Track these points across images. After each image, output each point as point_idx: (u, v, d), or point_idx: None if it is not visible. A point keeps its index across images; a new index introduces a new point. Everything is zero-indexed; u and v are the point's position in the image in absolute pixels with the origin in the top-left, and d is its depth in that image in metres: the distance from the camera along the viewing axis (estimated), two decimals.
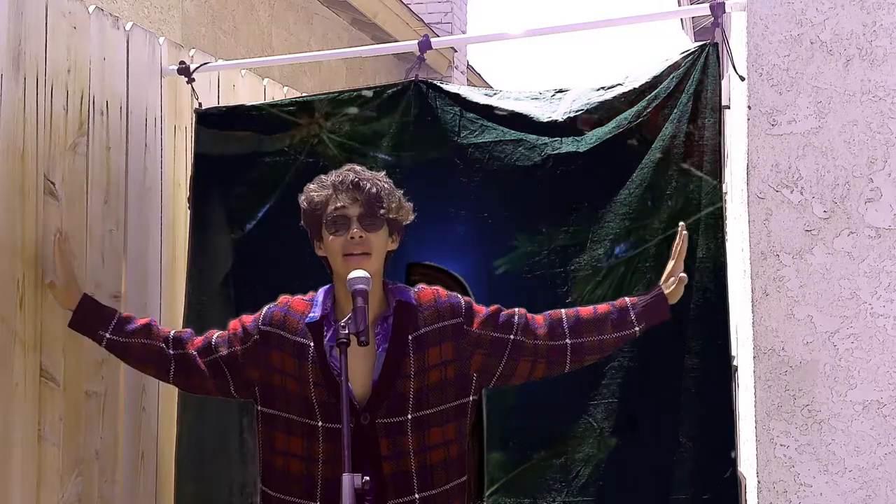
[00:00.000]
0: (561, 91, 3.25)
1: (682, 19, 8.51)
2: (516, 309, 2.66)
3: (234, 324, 2.67)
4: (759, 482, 2.84)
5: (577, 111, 3.16)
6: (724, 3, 3.00)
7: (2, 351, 2.87)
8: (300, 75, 7.80)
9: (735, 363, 3.37)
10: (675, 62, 3.07)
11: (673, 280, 2.67)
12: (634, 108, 3.09)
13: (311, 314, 2.55)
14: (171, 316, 3.62)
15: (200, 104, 3.64)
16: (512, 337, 2.61)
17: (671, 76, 3.06)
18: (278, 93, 4.38)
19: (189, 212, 3.59)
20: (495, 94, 3.33)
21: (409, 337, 2.53)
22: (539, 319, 2.64)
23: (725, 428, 2.91)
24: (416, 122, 3.30)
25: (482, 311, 2.63)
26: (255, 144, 3.49)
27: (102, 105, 3.34)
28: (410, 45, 3.49)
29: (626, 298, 2.68)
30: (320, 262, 2.61)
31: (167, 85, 3.69)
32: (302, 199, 2.59)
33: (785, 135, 2.86)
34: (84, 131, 3.25)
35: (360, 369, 2.48)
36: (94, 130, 3.30)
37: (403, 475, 2.48)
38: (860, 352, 2.79)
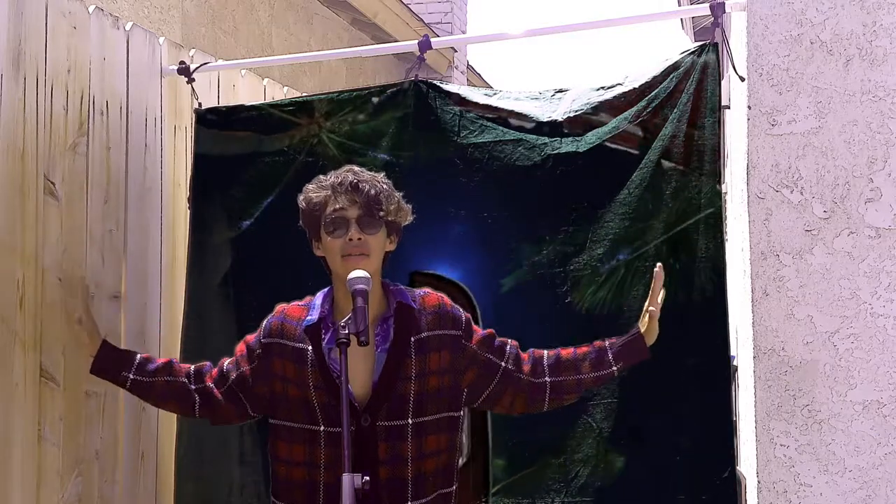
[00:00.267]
0: (561, 91, 3.25)
1: (682, 19, 8.52)
2: (509, 339, 2.69)
3: (239, 347, 2.69)
4: (759, 482, 2.84)
5: (577, 111, 3.16)
6: (724, 3, 3.00)
7: (2, 351, 2.87)
8: (300, 75, 7.80)
9: (735, 363, 3.37)
10: (675, 62, 3.07)
11: (647, 320, 2.66)
12: (634, 108, 3.09)
13: (308, 318, 2.56)
14: (171, 316, 3.62)
15: (200, 104, 3.64)
16: (503, 364, 2.64)
17: (671, 76, 3.06)
18: (278, 93, 4.38)
19: (189, 212, 3.59)
20: (495, 94, 3.33)
21: (412, 339, 2.52)
22: (524, 356, 2.68)
23: (725, 428, 2.91)
24: (416, 123, 3.30)
25: (479, 330, 2.66)
26: (255, 144, 3.49)
27: (102, 105, 3.34)
28: (410, 45, 3.49)
29: (605, 340, 2.69)
30: (319, 262, 2.61)
31: (167, 85, 3.69)
32: (301, 199, 2.59)
33: (785, 135, 2.86)
34: (84, 131, 3.25)
35: (359, 370, 2.47)
36: (94, 130, 3.30)
37: (399, 481, 2.47)
38: (860, 352, 2.79)
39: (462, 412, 2.64)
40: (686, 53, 3.07)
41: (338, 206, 2.51)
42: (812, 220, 2.83)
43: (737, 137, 3.26)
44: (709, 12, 3.05)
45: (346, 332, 2.29)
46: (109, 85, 3.38)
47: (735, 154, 3.36)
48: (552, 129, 3.17)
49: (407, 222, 2.63)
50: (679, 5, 8.58)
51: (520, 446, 3.09)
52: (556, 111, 3.19)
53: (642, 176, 3.06)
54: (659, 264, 2.69)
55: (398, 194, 2.59)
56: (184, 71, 3.64)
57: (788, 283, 2.84)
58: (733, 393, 3.08)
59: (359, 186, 2.51)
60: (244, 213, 3.48)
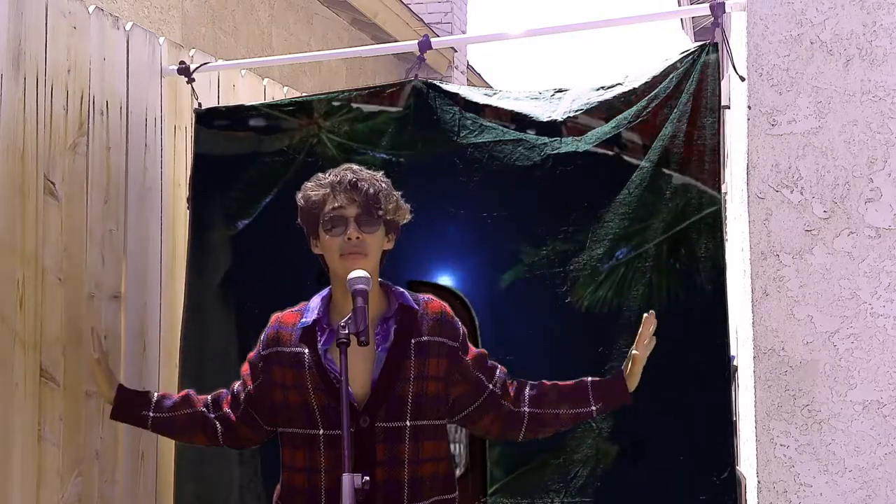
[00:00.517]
0: (561, 91, 3.25)
1: (682, 19, 8.52)
2: (498, 364, 2.69)
3: (243, 368, 2.70)
4: (759, 482, 2.84)
5: (576, 111, 3.16)
6: (724, 3, 3.00)
7: (2, 351, 2.88)
8: (300, 75, 7.80)
9: (735, 363, 3.37)
10: (675, 62, 3.07)
11: (630, 365, 2.65)
12: (634, 108, 3.09)
13: (302, 320, 2.56)
14: (171, 316, 3.62)
15: (200, 104, 3.64)
16: (491, 387, 2.64)
17: (671, 76, 3.05)
18: (278, 93, 4.38)
19: (189, 212, 3.59)
20: (495, 93, 3.33)
21: (412, 341, 2.52)
22: (510, 383, 2.68)
23: (725, 428, 2.91)
24: (416, 122, 3.30)
25: (473, 348, 2.67)
26: (254, 144, 3.49)
27: (102, 105, 3.34)
28: (410, 45, 3.49)
29: (589, 378, 2.68)
30: (319, 262, 2.61)
31: (167, 85, 3.69)
32: (299, 197, 2.59)
33: (785, 135, 2.86)
34: (84, 131, 3.25)
35: (358, 370, 2.47)
36: (94, 130, 3.30)
37: (395, 483, 2.47)
38: (860, 352, 2.79)
39: (447, 421, 2.63)
40: (686, 53, 3.07)
41: (336, 204, 2.51)
42: (812, 220, 2.83)
43: (737, 137, 3.26)
44: (709, 12, 3.05)
45: (346, 331, 2.29)
46: (109, 85, 3.38)
47: (735, 154, 3.36)
48: (552, 129, 3.17)
49: (405, 221, 2.63)
50: (679, 5, 8.58)
51: (519, 446, 3.09)
52: (556, 111, 3.19)
53: (642, 176, 3.06)
54: (651, 311, 2.65)
55: (397, 193, 2.59)
56: (184, 71, 3.64)
57: (788, 283, 2.84)
58: (733, 393, 3.08)
59: (357, 185, 2.51)
60: (244, 212, 3.48)
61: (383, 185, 2.56)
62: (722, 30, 3.05)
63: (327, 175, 2.57)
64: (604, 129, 3.12)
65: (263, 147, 3.47)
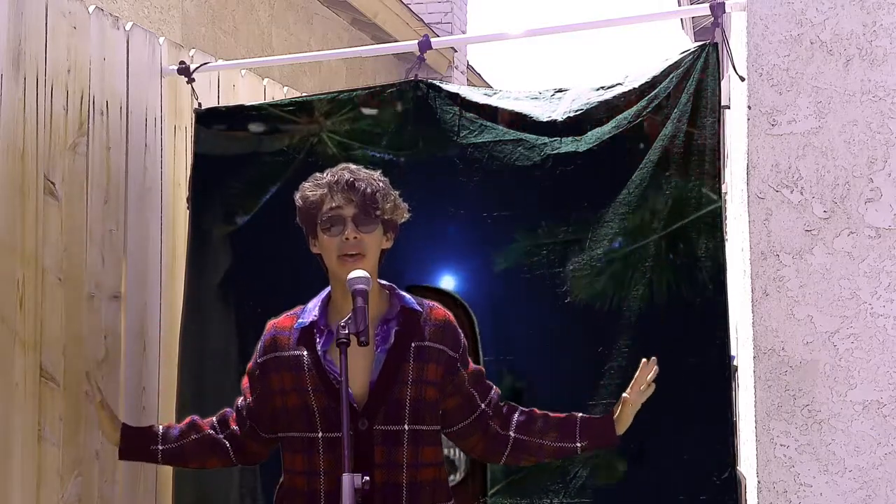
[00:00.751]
0: (561, 91, 3.25)
1: (682, 19, 8.52)
2: (493, 385, 2.68)
3: (243, 381, 2.69)
4: (759, 482, 2.84)
5: (576, 111, 3.16)
6: (724, 3, 3.00)
7: (2, 351, 2.87)
8: (300, 75, 7.80)
9: (735, 363, 3.37)
10: (675, 62, 3.07)
11: (621, 407, 2.63)
12: (634, 108, 3.09)
13: (300, 321, 2.56)
14: (170, 316, 3.62)
15: (200, 104, 3.64)
16: (483, 406, 2.63)
17: (671, 76, 3.05)
18: (278, 93, 4.38)
19: (189, 212, 3.59)
20: (495, 93, 3.33)
21: (412, 344, 2.52)
22: (502, 405, 2.67)
23: (725, 428, 2.91)
24: (416, 122, 3.30)
25: (472, 363, 2.66)
26: (254, 144, 3.49)
27: (102, 105, 3.34)
28: (410, 45, 3.49)
29: (579, 414, 2.66)
30: (318, 261, 2.61)
31: (167, 85, 3.69)
32: (297, 196, 2.58)
33: (785, 135, 2.86)
34: (84, 131, 3.25)
35: (357, 370, 2.46)
36: (94, 130, 3.30)
37: (394, 486, 2.46)
38: (860, 352, 2.79)
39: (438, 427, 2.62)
40: (686, 53, 3.07)
41: (334, 204, 2.50)
42: (812, 220, 2.83)
43: (737, 137, 3.26)
44: (709, 12, 3.05)
45: (346, 331, 2.29)
46: (109, 85, 3.38)
47: (735, 154, 3.36)
48: (552, 129, 3.17)
49: (403, 220, 2.62)
50: (679, 5, 8.58)
51: None
52: (556, 111, 3.19)
53: (642, 176, 3.06)
54: (653, 359, 2.63)
55: (395, 192, 2.59)
56: (184, 71, 3.64)
57: (788, 283, 2.84)
58: (733, 393, 3.08)
59: (355, 185, 2.51)
60: (244, 212, 3.47)
61: (381, 184, 2.55)
62: (722, 30, 3.05)
63: (325, 175, 2.57)
64: (604, 129, 3.12)
65: (263, 147, 3.47)
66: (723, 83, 3.04)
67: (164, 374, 3.62)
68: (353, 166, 2.59)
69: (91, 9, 3.31)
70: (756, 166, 2.87)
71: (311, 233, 2.57)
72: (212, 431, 2.70)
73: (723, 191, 3.03)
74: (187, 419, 2.77)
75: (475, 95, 3.30)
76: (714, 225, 2.96)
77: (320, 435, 2.47)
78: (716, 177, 2.98)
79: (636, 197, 3.05)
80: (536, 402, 2.84)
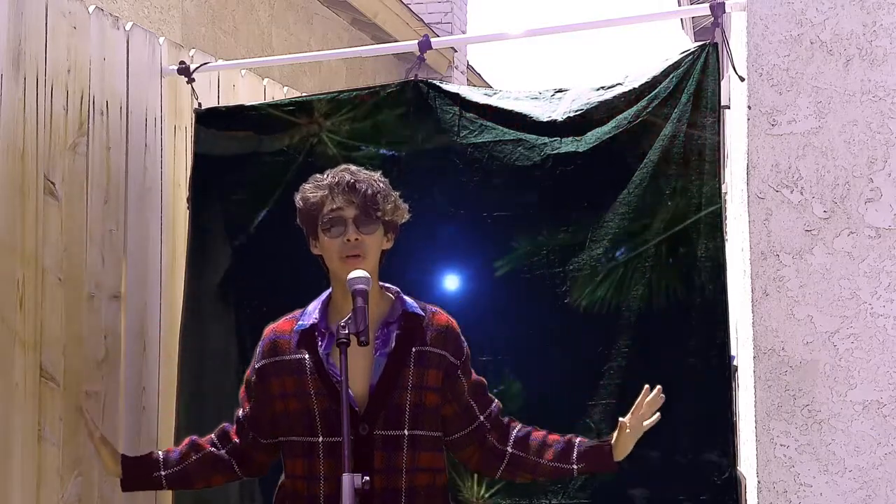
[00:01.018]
0: (561, 91, 3.25)
1: (682, 19, 8.52)
2: (494, 398, 2.67)
3: (241, 391, 2.68)
4: (759, 482, 2.84)
5: (576, 111, 3.16)
6: (724, 3, 3.00)
7: (2, 351, 2.87)
8: (300, 75, 7.80)
9: (735, 363, 3.37)
10: (675, 62, 3.07)
11: (618, 433, 2.60)
12: (634, 108, 3.09)
13: (300, 323, 2.55)
14: (170, 316, 3.62)
15: (200, 104, 3.64)
16: (481, 418, 2.62)
17: (671, 76, 3.06)
18: (278, 93, 4.38)
19: (189, 212, 3.59)
20: (495, 93, 3.33)
21: (413, 349, 2.51)
22: (502, 419, 2.65)
23: (725, 428, 2.91)
24: (416, 122, 3.30)
25: (474, 374, 2.64)
26: (254, 144, 3.49)
27: (102, 105, 3.34)
28: (410, 45, 3.49)
29: (578, 438, 2.64)
30: (318, 262, 2.61)
31: (167, 85, 3.69)
32: (297, 198, 2.58)
33: (785, 135, 2.86)
34: (84, 131, 3.25)
35: (358, 372, 2.45)
36: (94, 130, 3.30)
37: (393, 492, 2.46)
38: (860, 352, 2.79)
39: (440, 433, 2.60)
40: (686, 53, 3.07)
41: (335, 205, 2.50)
42: (812, 220, 2.83)
43: (737, 137, 3.26)
44: (709, 12, 3.05)
45: (346, 331, 2.29)
46: (109, 85, 3.38)
47: (735, 154, 3.36)
48: (552, 129, 3.17)
49: (404, 221, 2.62)
50: (679, 5, 8.58)
51: None
52: (556, 111, 3.19)
53: (642, 176, 3.06)
54: (658, 387, 2.59)
55: (395, 193, 2.58)
56: (184, 71, 3.64)
57: (788, 283, 2.84)
58: (733, 393, 3.08)
59: (356, 186, 2.50)
60: (244, 212, 3.48)
61: (381, 185, 2.55)
62: (722, 30, 3.05)
63: (325, 176, 2.57)
64: (604, 129, 3.12)
65: (263, 147, 3.47)
66: (723, 83, 3.04)
67: (164, 374, 3.62)
68: (353, 167, 2.59)
69: (91, 9, 3.31)
70: (756, 166, 2.87)
71: (311, 234, 2.57)
72: (213, 449, 2.69)
73: (723, 191, 3.03)
74: (186, 440, 2.75)
75: (475, 95, 3.30)
76: (714, 225, 2.97)
77: (320, 439, 2.47)
78: (716, 177, 2.98)
79: (636, 197, 3.06)
80: (536, 402, 2.85)
